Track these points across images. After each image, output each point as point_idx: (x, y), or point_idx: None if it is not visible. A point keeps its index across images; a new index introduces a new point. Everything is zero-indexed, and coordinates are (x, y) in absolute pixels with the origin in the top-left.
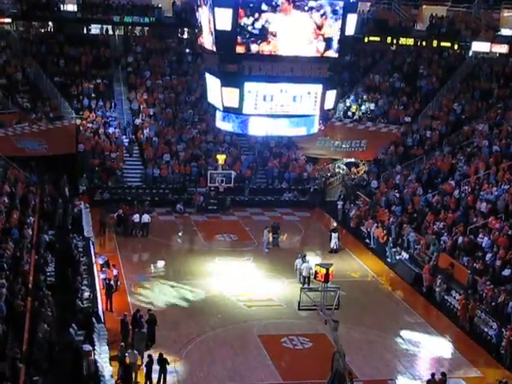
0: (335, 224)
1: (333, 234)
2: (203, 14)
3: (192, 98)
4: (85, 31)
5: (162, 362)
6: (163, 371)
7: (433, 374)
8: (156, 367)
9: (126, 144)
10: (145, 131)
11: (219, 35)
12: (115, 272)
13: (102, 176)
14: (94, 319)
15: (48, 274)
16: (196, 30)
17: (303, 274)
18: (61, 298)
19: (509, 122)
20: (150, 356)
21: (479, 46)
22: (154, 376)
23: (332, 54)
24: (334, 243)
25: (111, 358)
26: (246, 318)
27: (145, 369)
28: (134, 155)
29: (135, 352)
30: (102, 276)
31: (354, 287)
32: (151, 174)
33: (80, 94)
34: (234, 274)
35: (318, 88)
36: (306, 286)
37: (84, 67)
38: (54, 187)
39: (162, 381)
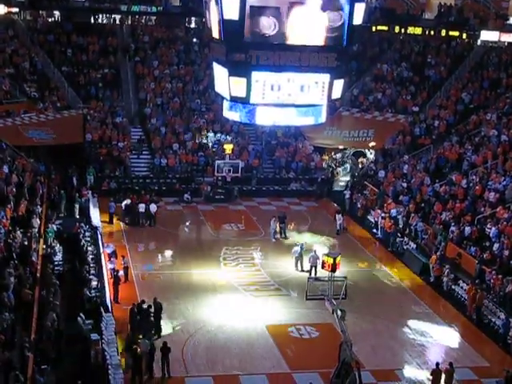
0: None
1: (337, 216)
2: (211, 3)
3: (199, 88)
4: (92, 20)
5: (165, 351)
6: (166, 359)
7: (437, 364)
8: (158, 357)
9: (135, 141)
10: (152, 121)
11: (226, 24)
12: (124, 263)
13: (110, 166)
14: (101, 308)
15: (56, 263)
16: (203, 19)
17: (310, 264)
18: (69, 288)
19: None
20: (152, 344)
21: (488, 35)
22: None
23: None
24: (338, 224)
25: (119, 348)
26: (253, 308)
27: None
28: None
29: (147, 341)
30: (110, 266)
31: (361, 277)
32: (158, 163)
33: (87, 83)
34: (242, 264)
35: (325, 77)
36: (313, 275)
37: (91, 56)
38: (61, 177)
39: (165, 369)
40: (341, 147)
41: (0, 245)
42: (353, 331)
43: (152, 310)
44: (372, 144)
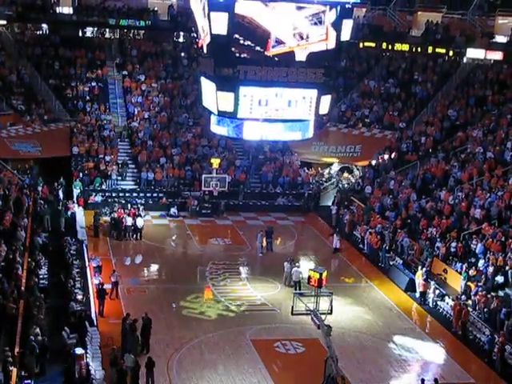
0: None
1: (334, 236)
2: (199, 18)
3: (187, 102)
4: (80, 34)
5: (150, 366)
6: (151, 375)
7: (422, 380)
8: (143, 372)
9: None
10: (139, 134)
11: (215, 39)
12: (113, 279)
13: (95, 179)
14: (86, 322)
15: (41, 276)
16: (191, 34)
17: (293, 279)
18: (53, 301)
19: (503, 129)
20: (136, 361)
21: (474, 53)
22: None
23: None
24: (335, 243)
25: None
26: (238, 323)
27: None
28: (127, 155)
29: (132, 356)
30: (95, 281)
31: (347, 292)
32: (145, 177)
33: (75, 96)
34: (228, 279)
35: (312, 93)
36: (298, 290)
37: (79, 70)
38: (47, 190)
39: None
40: (328, 162)
41: None
42: (338, 346)
43: (137, 324)
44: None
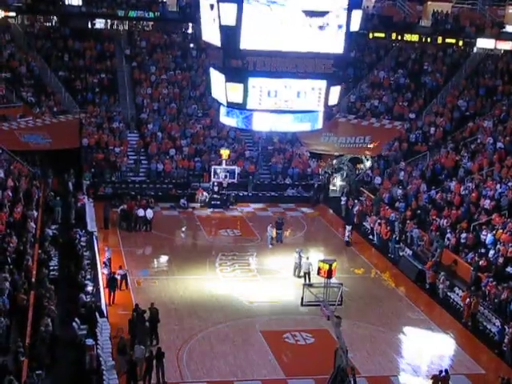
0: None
1: (347, 227)
2: (207, 9)
3: (196, 93)
4: (89, 25)
5: (159, 357)
6: (161, 366)
7: (440, 372)
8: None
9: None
10: (149, 126)
11: (224, 30)
12: (121, 271)
13: (105, 170)
14: (96, 313)
15: (51, 268)
16: (200, 25)
17: (303, 270)
18: (64, 293)
19: None
20: (150, 351)
21: (484, 43)
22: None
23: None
24: (347, 236)
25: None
26: (248, 314)
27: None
28: (132, 146)
29: (142, 347)
30: (106, 271)
31: (356, 283)
32: (155, 168)
33: (84, 88)
34: (238, 270)
35: (322, 84)
36: (307, 282)
37: (88, 61)
38: (57, 181)
39: (160, 375)
40: (337, 153)
41: None
42: (348, 338)
43: (146, 315)
44: (371, 146)
